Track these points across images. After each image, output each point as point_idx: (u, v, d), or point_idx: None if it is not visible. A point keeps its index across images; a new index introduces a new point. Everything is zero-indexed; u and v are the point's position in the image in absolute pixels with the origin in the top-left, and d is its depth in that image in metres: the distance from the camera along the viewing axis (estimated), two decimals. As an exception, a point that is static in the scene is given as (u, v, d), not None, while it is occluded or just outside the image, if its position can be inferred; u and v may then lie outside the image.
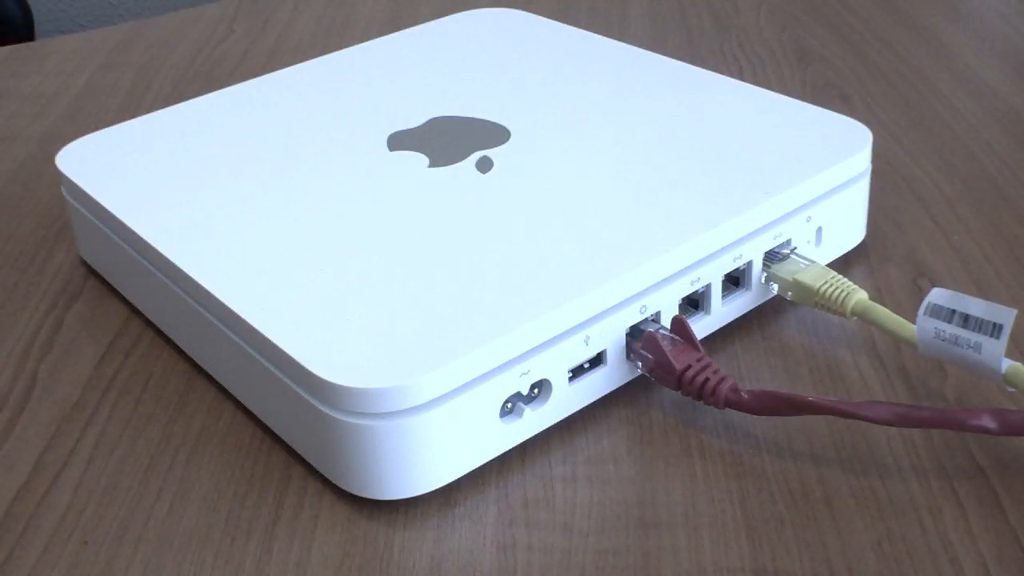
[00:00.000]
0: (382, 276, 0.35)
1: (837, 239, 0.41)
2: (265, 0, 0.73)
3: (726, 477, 0.33)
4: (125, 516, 0.33)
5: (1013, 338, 0.38)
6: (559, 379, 0.34)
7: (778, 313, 0.40)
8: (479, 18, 0.54)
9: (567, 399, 0.35)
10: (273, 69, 0.62)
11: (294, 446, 0.34)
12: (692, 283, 0.36)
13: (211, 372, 0.38)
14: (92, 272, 0.45)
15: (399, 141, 0.43)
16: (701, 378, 0.34)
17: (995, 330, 0.33)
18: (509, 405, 0.34)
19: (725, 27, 0.64)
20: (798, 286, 0.38)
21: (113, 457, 0.35)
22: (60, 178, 0.43)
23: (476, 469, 0.33)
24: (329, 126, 0.44)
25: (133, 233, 0.39)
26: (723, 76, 0.46)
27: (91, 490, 0.34)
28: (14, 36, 1.31)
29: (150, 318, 0.41)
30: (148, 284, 0.39)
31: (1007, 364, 0.33)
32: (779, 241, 0.39)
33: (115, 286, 0.43)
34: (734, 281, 0.39)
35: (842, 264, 0.42)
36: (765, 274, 0.39)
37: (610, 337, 0.35)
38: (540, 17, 0.54)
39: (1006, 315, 0.33)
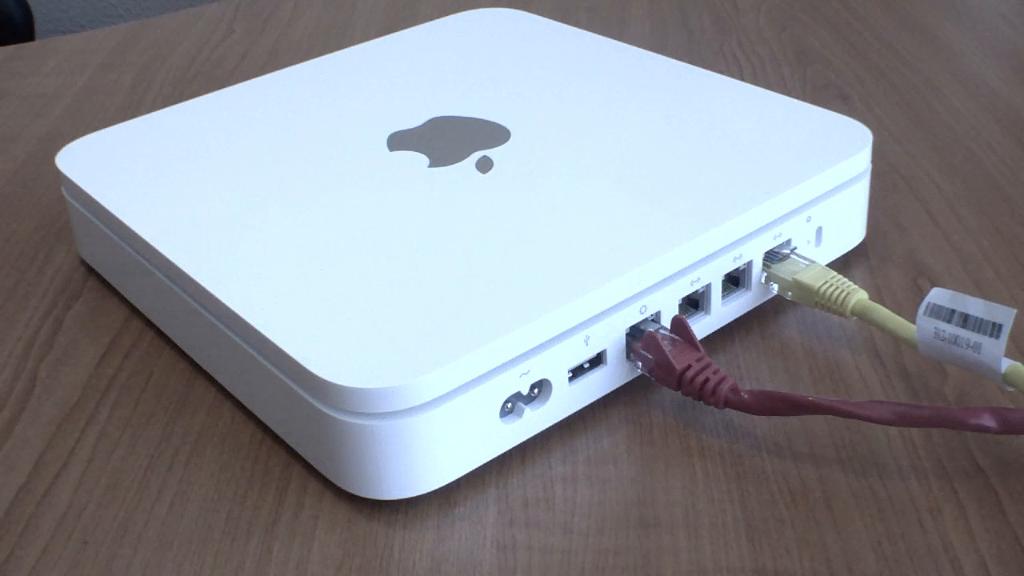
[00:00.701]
0: (382, 276, 0.35)
1: (837, 239, 0.41)
2: (265, 0, 0.73)
3: (726, 477, 0.33)
4: (125, 516, 0.33)
5: (1013, 338, 0.38)
6: (559, 379, 0.34)
7: (778, 313, 0.40)
8: (479, 18, 0.54)
9: (567, 399, 0.35)
10: (273, 69, 0.62)
11: (294, 446, 0.34)
12: (692, 283, 0.36)
13: (211, 372, 0.38)
14: (92, 272, 0.45)
15: (399, 141, 0.43)
16: (701, 378, 0.34)
17: (995, 330, 0.33)
18: (509, 405, 0.34)
19: (725, 27, 0.64)
20: (798, 286, 0.38)
21: (113, 457, 0.35)
22: (60, 178, 0.43)
23: (476, 469, 0.33)
24: (329, 126, 0.44)
25: (133, 233, 0.39)
26: (723, 76, 0.46)
27: (91, 490, 0.34)
28: (14, 36, 1.30)
29: (150, 318, 0.41)
30: (148, 284, 0.39)
31: (1007, 364, 0.33)
32: (779, 241, 0.39)
33: (115, 286, 0.43)
34: (734, 281, 0.39)
35: (842, 264, 0.42)
36: (765, 274, 0.39)
37: (610, 337, 0.35)
38: (540, 17, 0.54)
39: (1006, 315, 0.33)
